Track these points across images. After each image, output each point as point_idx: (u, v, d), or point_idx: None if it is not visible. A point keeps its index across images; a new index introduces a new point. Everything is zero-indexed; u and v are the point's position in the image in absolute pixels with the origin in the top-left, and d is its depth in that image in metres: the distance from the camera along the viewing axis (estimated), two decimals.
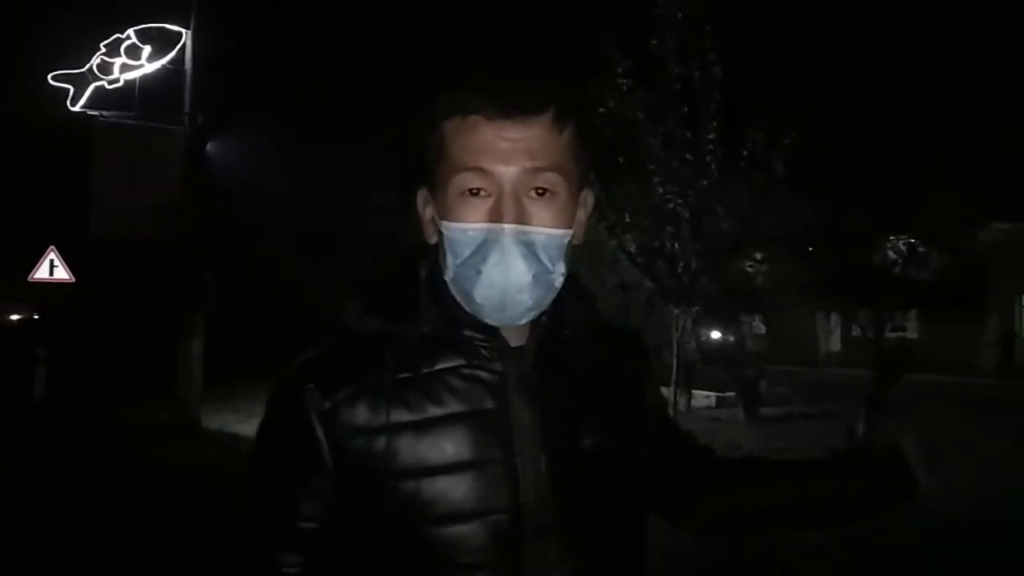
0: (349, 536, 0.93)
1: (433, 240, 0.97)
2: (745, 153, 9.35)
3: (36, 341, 11.63)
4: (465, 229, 0.91)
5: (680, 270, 9.50)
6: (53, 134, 14.24)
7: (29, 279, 11.64)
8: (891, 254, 11.12)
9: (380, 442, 0.90)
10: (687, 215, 9.29)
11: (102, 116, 11.77)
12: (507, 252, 0.89)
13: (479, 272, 0.90)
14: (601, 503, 0.96)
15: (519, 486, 0.92)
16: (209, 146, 13.03)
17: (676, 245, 9.43)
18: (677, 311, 9.86)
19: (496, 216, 0.90)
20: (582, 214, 0.98)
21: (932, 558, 5.47)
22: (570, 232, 0.94)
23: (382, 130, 15.70)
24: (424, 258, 0.99)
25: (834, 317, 20.33)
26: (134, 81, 11.86)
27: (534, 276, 0.91)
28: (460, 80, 0.94)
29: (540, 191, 0.91)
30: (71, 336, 13.20)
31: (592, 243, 10.96)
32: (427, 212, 0.97)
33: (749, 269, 12.58)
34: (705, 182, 9.24)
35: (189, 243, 11.70)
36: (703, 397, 13.78)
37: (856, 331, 12.56)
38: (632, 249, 9.86)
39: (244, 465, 1.00)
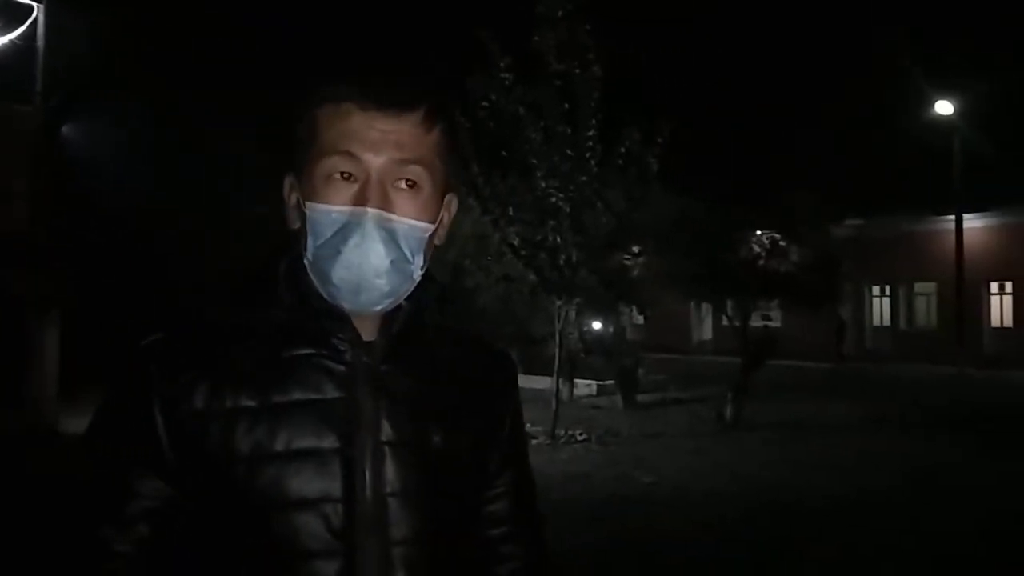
0: (189, 520, 0.92)
1: (296, 226, 0.97)
2: (623, 150, 9.66)
3: None
4: (329, 210, 0.92)
5: (562, 263, 9.72)
6: None
7: None
8: (755, 248, 11.78)
9: (219, 426, 0.90)
10: (568, 209, 9.50)
11: None
12: (368, 235, 0.91)
13: (339, 252, 0.91)
14: (439, 503, 0.96)
15: (354, 478, 0.92)
16: (64, 129, 12.10)
17: (558, 238, 9.63)
18: (559, 302, 10.08)
19: (361, 200, 0.91)
20: (446, 216, 1.00)
21: (789, 533, 5.87)
22: (431, 227, 0.97)
23: (251, 115, 15.09)
24: (287, 250, 0.98)
25: (705, 307, 21.39)
26: None
27: (392, 262, 0.92)
28: (336, 70, 0.96)
29: (408, 183, 0.94)
30: None
31: (477, 236, 11.04)
32: (292, 198, 0.98)
33: (626, 262, 13.02)
34: (585, 178, 9.48)
35: (41, 234, 10.83)
36: (584, 386, 14.19)
37: (725, 320, 13.24)
38: (515, 242, 9.99)
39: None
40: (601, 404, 13.04)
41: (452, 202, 1.02)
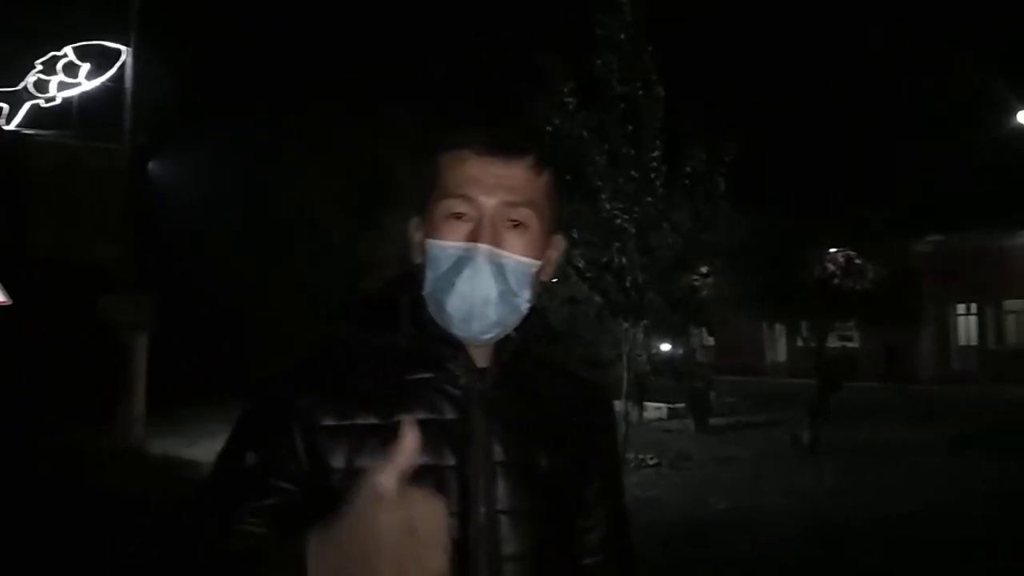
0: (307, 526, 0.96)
1: (419, 260, 1.07)
2: (688, 170, 9.56)
3: None
4: (445, 246, 1.02)
5: (628, 284, 9.63)
6: None
7: None
8: (830, 266, 11.45)
9: (347, 441, 0.98)
10: (633, 231, 9.43)
11: (39, 135, 11.44)
12: (479, 269, 1.00)
13: (452, 284, 1.00)
14: (545, 524, 1.02)
15: (468, 493, 0.98)
16: (150, 165, 12.77)
17: (623, 260, 9.56)
18: (626, 325, 9.98)
19: (474, 237, 1.01)
20: (553, 255, 1.09)
21: (869, 563, 5.63)
22: (538, 264, 1.05)
23: (329, 149, 15.59)
24: (410, 283, 1.08)
25: (778, 328, 20.82)
26: (72, 99, 11.56)
27: (500, 294, 1.01)
28: (457, 120, 1.07)
29: (515, 223, 1.02)
30: (7, 359, 12.71)
31: None
32: (417, 236, 1.07)
33: (695, 283, 12.83)
34: (650, 198, 9.41)
35: (130, 263, 11.42)
36: (654, 409, 13.97)
37: (800, 341, 12.87)
38: (580, 264, 9.96)
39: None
40: (672, 427, 12.82)
41: (560, 242, 1.11)
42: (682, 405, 13.37)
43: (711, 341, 20.78)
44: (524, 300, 1.04)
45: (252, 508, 0.97)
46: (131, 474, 9.10)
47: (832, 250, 11.61)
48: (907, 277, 11.85)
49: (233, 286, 16.08)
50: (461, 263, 1.00)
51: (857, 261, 11.40)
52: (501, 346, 1.06)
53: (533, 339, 1.09)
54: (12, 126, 11.41)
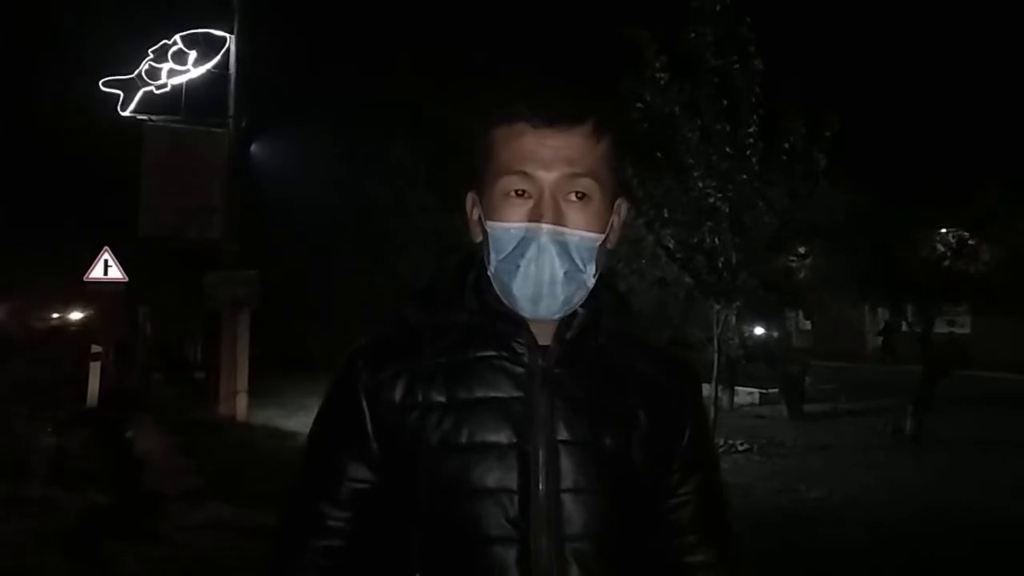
0: (386, 503, 1.01)
1: (479, 239, 1.05)
2: (786, 146, 9.17)
3: (90, 338, 12.01)
4: (507, 227, 0.99)
5: (720, 265, 9.36)
6: (106, 139, 14.67)
7: (84, 279, 12.03)
8: (939, 247, 10.77)
9: (412, 418, 1.00)
10: (727, 210, 9.14)
11: (151, 120, 12.08)
12: (543, 249, 0.97)
13: (517, 267, 0.98)
14: (613, 504, 0.99)
15: (530, 471, 0.97)
16: (253, 148, 13.28)
17: (716, 240, 9.29)
18: (717, 307, 9.73)
19: (536, 216, 0.98)
20: (616, 220, 1.05)
21: (974, 560, 5.33)
22: (602, 236, 1.02)
23: (427, 131, 15.82)
24: (475, 262, 1.07)
25: (881, 312, 19.75)
26: (181, 86, 12.12)
27: (566, 273, 0.98)
28: (509, 91, 1.03)
29: (578, 195, 0.99)
30: (123, 334, 13.60)
31: (631, 239, 10.89)
32: (474, 213, 1.06)
33: (791, 264, 12.35)
34: (745, 176, 9.08)
35: (234, 242, 11.95)
36: (746, 394, 13.63)
37: (904, 326, 12.20)
38: (671, 245, 9.74)
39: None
40: (764, 413, 12.47)
41: (622, 206, 1.07)
42: (775, 390, 12.97)
43: (808, 325, 20.00)
44: (589, 275, 1.01)
45: (336, 499, 1.01)
46: (235, 443, 9.60)
47: (943, 230, 10.91)
48: None
49: (331, 264, 16.63)
50: (525, 244, 0.98)
51: (971, 242, 10.66)
52: (566, 323, 1.03)
53: (603, 313, 1.06)
54: (127, 112, 12.09)
